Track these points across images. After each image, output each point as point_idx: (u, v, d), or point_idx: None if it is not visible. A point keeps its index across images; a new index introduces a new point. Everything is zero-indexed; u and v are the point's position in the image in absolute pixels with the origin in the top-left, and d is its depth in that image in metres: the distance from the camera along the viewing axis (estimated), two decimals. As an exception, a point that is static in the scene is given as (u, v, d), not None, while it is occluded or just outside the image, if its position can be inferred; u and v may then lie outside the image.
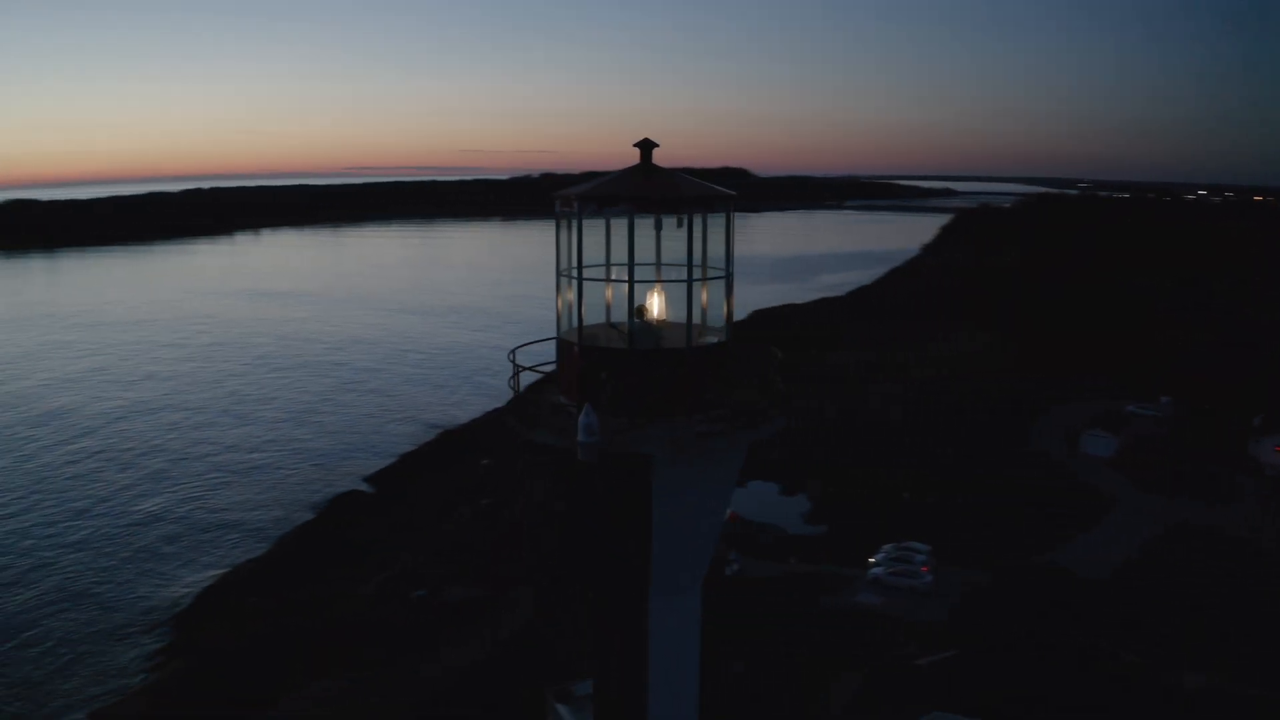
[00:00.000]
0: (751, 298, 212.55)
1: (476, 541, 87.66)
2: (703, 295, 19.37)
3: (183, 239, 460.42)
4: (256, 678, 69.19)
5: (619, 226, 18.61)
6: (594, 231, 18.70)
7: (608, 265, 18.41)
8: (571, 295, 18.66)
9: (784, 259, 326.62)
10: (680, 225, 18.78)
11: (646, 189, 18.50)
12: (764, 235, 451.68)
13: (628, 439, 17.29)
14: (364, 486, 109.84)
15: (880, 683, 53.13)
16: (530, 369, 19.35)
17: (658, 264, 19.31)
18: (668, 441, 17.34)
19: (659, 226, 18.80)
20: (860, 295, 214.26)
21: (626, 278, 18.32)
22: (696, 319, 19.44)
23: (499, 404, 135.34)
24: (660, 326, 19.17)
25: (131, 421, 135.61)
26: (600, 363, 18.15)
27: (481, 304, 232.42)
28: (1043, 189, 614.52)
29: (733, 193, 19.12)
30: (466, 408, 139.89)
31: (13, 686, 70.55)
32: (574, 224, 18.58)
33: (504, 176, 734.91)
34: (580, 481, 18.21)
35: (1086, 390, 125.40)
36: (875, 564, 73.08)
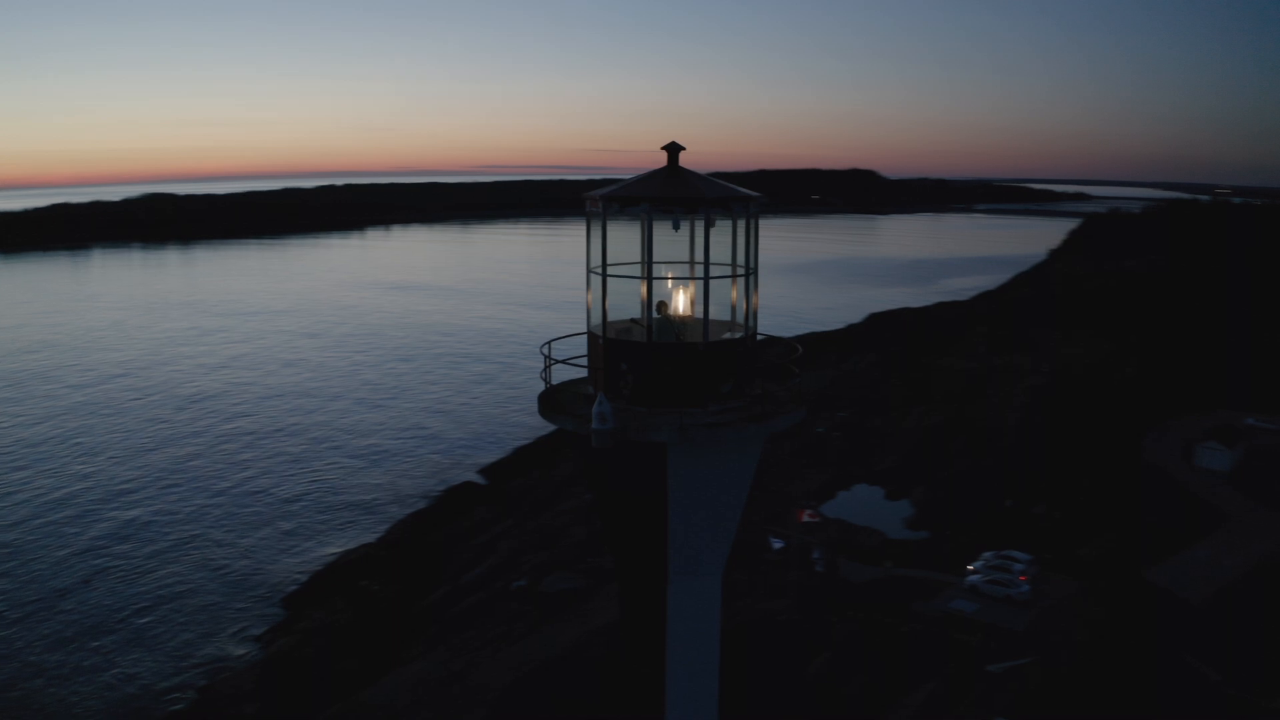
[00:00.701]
0: (867, 300, 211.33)
1: (577, 534, 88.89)
2: (732, 293, 20.06)
3: (315, 234, 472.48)
4: (361, 656, 71.38)
5: (662, 227, 19.44)
6: (633, 231, 19.49)
7: (649, 263, 19.17)
8: (602, 291, 19.50)
9: (907, 263, 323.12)
10: (713, 225, 19.44)
11: (665, 190, 19.23)
12: (889, 239, 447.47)
13: (641, 427, 18.12)
14: (477, 478, 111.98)
15: (952, 687, 53.05)
16: (562, 362, 20.27)
17: (690, 262, 20.00)
18: (679, 431, 18.13)
19: (676, 227, 19.51)
20: (982, 300, 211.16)
21: (648, 275, 19.10)
22: (726, 316, 20.15)
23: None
24: (683, 322, 19.90)
25: (265, 406, 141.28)
26: (621, 355, 19.03)
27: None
28: (1178, 194, 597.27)
29: (754, 194, 19.71)
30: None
31: (135, 649, 74.03)
32: (601, 223, 19.41)
33: (631, 176, 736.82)
34: (599, 465, 19.09)
35: (1205, 402, 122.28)
36: (973, 571, 72.54)
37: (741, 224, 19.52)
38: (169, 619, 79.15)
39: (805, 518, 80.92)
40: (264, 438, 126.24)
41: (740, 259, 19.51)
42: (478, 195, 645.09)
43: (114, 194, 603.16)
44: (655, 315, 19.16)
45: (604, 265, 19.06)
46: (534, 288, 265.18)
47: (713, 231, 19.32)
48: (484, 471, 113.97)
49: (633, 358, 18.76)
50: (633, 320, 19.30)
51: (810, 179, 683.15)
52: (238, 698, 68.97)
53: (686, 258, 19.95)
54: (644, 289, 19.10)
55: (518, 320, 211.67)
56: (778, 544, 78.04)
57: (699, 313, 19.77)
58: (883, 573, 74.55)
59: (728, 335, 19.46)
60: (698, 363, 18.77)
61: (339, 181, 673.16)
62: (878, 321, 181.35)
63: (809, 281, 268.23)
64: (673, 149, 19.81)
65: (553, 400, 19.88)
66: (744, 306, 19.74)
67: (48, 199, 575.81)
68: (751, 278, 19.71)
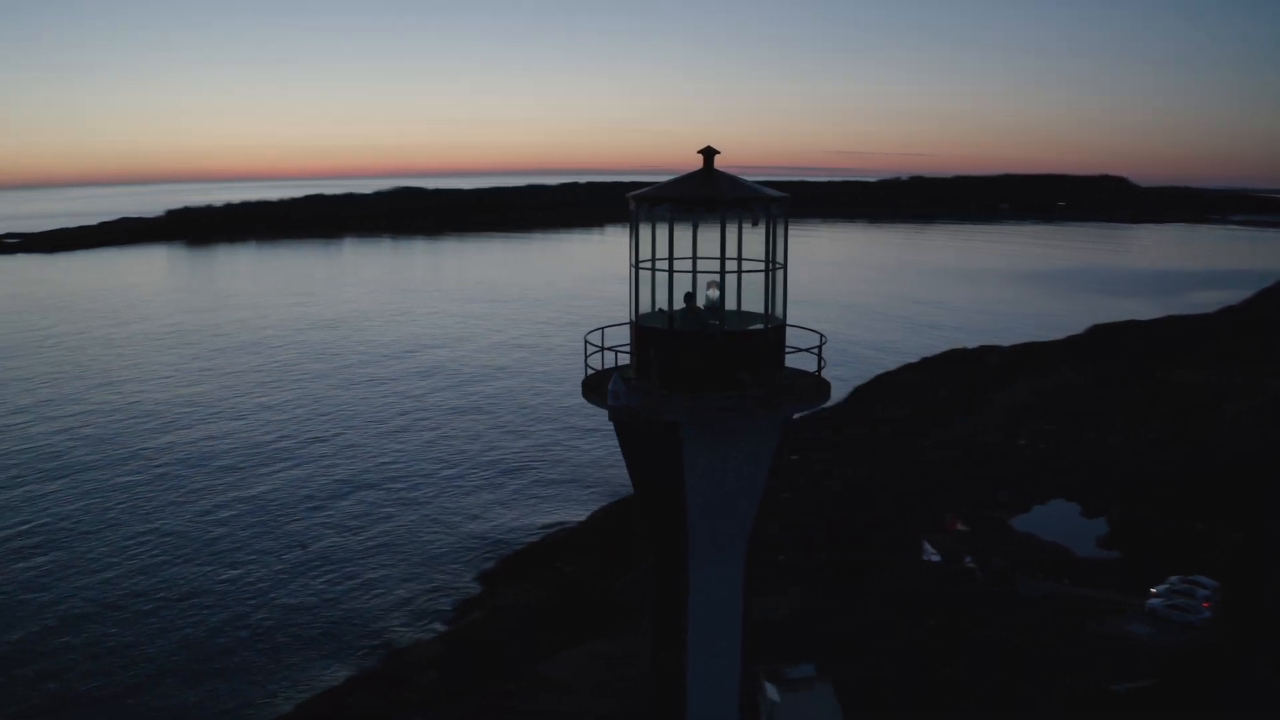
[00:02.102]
0: (1094, 311, 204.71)
1: (769, 528, 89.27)
2: (763, 287, 21.22)
3: (556, 230, 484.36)
4: (545, 634, 73.68)
5: (706, 226, 20.79)
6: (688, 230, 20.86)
7: (671, 258, 20.52)
8: (634, 284, 20.96)
9: (1148, 274, 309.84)
10: (756, 224, 20.62)
11: (689, 192, 20.52)
12: (1134, 249, 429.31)
13: (655, 407, 19.53)
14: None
15: (1073, 703, 52.08)
16: (603, 349, 21.78)
17: (722, 258, 21.16)
18: (687, 412, 19.44)
19: (696, 225, 20.73)
20: (1225, 315, 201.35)
21: (671, 269, 20.47)
22: (757, 309, 21.31)
23: (833, 400, 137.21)
24: (711, 314, 21.11)
25: (509, 381, 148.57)
26: (649, 342, 20.47)
27: (839, 301, 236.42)
28: None
29: (778, 195, 20.78)
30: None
31: (327, 613, 78.42)
32: (635, 222, 20.86)
33: (873, 178, 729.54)
34: (629, 448, 20.58)
35: None
36: (1155, 595, 70.34)
37: (773, 222, 20.65)
38: (366, 593, 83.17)
39: (957, 526, 79.89)
40: (491, 413, 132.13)
41: (772, 255, 20.62)
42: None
43: (366, 187, 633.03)
44: (682, 306, 20.52)
45: (636, 260, 20.50)
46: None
47: (752, 229, 20.53)
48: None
49: (659, 345, 20.20)
50: (659, 310, 20.67)
51: (1057, 185, 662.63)
52: (422, 665, 72.19)
53: (732, 254, 21.13)
54: (687, 282, 20.49)
55: None
56: (931, 553, 77.47)
57: (749, 306, 20.98)
58: (1056, 590, 72.99)
59: (753, 327, 20.60)
60: (718, 351, 20.02)
61: (581, 179, 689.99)
62: (1100, 333, 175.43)
63: (1038, 289, 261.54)
64: (708, 153, 21.12)
65: (593, 383, 21.51)
66: (771, 300, 20.83)
67: (303, 190, 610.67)
68: (779, 273, 20.79)
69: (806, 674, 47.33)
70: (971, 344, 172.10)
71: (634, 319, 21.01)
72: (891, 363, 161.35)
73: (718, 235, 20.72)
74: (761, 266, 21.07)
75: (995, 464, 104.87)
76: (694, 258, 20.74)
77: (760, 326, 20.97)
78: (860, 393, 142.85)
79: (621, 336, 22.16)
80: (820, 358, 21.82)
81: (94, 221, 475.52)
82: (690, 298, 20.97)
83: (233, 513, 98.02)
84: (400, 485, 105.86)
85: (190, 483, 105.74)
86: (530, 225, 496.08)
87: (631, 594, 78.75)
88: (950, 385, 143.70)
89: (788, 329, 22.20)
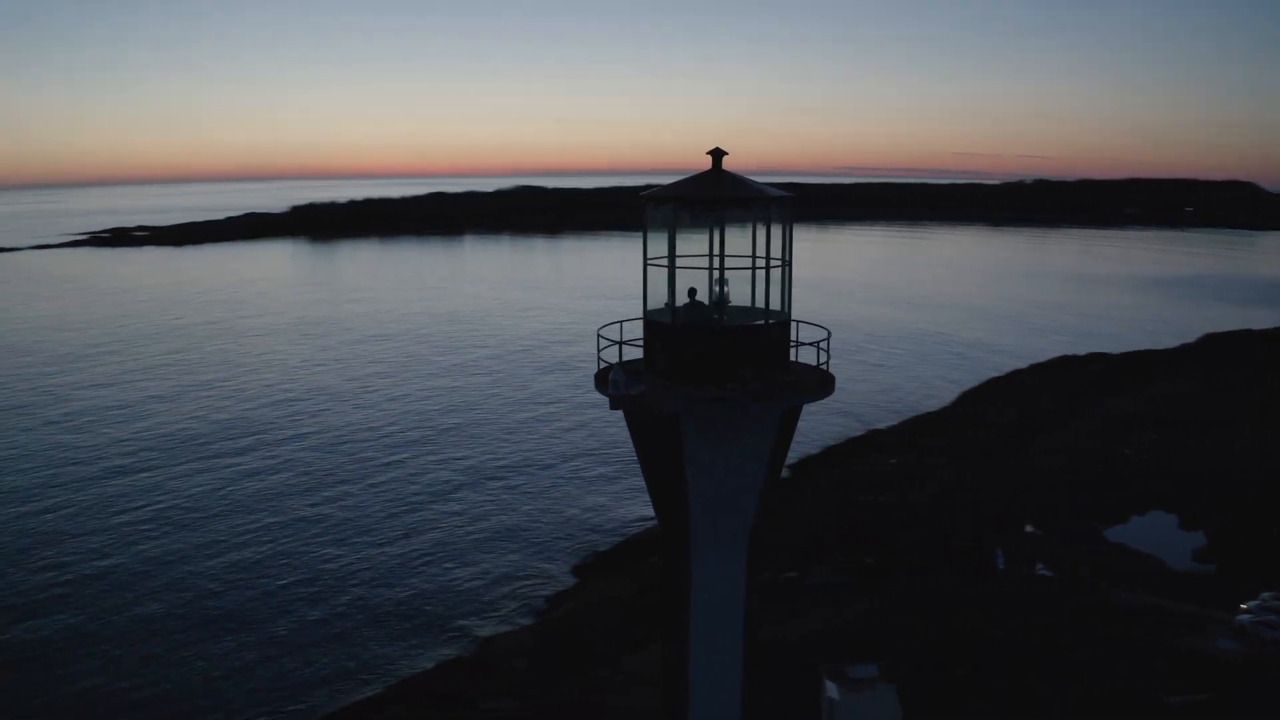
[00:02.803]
0: (1209, 319, 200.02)
1: (869, 530, 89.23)
2: (765, 284, 21.91)
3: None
4: (635, 627, 74.57)
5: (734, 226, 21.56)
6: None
7: (673, 255, 21.31)
8: (643, 279, 21.80)
9: (1272, 282, 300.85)
10: (761, 222, 21.30)
11: (691, 192, 21.27)
12: (1261, 256, 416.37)
13: (654, 398, 20.33)
14: (784, 473, 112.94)
15: (1123, 714, 51.44)
16: (615, 343, 22.65)
17: (721, 255, 21.89)
18: (684, 402, 20.19)
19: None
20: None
21: (671, 265, 21.26)
22: (774, 305, 22.00)
23: (941, 402, 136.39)
24: (718, 309, 21.84)
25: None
26: (656, 336, 21.28)
27: (955, 303, 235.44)
28: None
29: (780, 195, 21.39)
30: (909, 402, 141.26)
31: (424, 599, 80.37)
32: (646, 221, 21.69)
33: (996, 181, 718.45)
34: (638, 437, 21.38)
35: None
36: (1245, 611, 68.91)
37: (776, 221, 21.30)
38: (468, 571, 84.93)
39: (1028, 529, 79.15)
40: (604, 406, 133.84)
41: (775, 254, 21.26)
42: (836, 197, 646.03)
43: (486, 185, 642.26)
44: (686, 301, 21.32)
45: (645, 257, 21.33)
46: (879, 286, 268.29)
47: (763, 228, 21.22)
48: (795, 464, 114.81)
49: (664, 338, 21.01)
50: (667, 305, 21.47)
51: (1184, 190, 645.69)
52: (512, 653, 73.50)
53: (744, 251, 21.86)
54: (703, 279, 21.25)
55: (870, 315, 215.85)
56: (1000, 558, 76.89)
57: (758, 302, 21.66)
58: (1137, 602, 71.95)
59: (757, 321, 21.28)
60: (718, 345, 20.73)
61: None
62: (1214, 341, 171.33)
63: (1156, 296, 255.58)
64: (716, 154, 21.83)
65: (604, 375, 22.39)
66: (775, 296, 21.47)
67: (425, 188, 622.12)
68: (784, 270, 21.40)
69: (869, 674, 47.47)
70: (1082, 350, 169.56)
71: (643, 313, 21.83)
72: (1002, 366, 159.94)
73: (733, 234, 21.40)
74: (772, 264, 21.70)
75: (1094, 471, 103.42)
76: (714, 255, 21.43)
77: (758, 321, 21.61)
78: (967, 396, 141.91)
79: (640, 330, 22.93)
80: (826, 352, 22.35)
81: (221, 216, 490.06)
82: (694, 293, 21.73)
83: (349, 497, 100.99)
84: (513, 475, 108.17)
85: (312, 468, 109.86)
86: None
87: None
88: (1056, 391, 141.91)
89: (805, 325, 22.76)
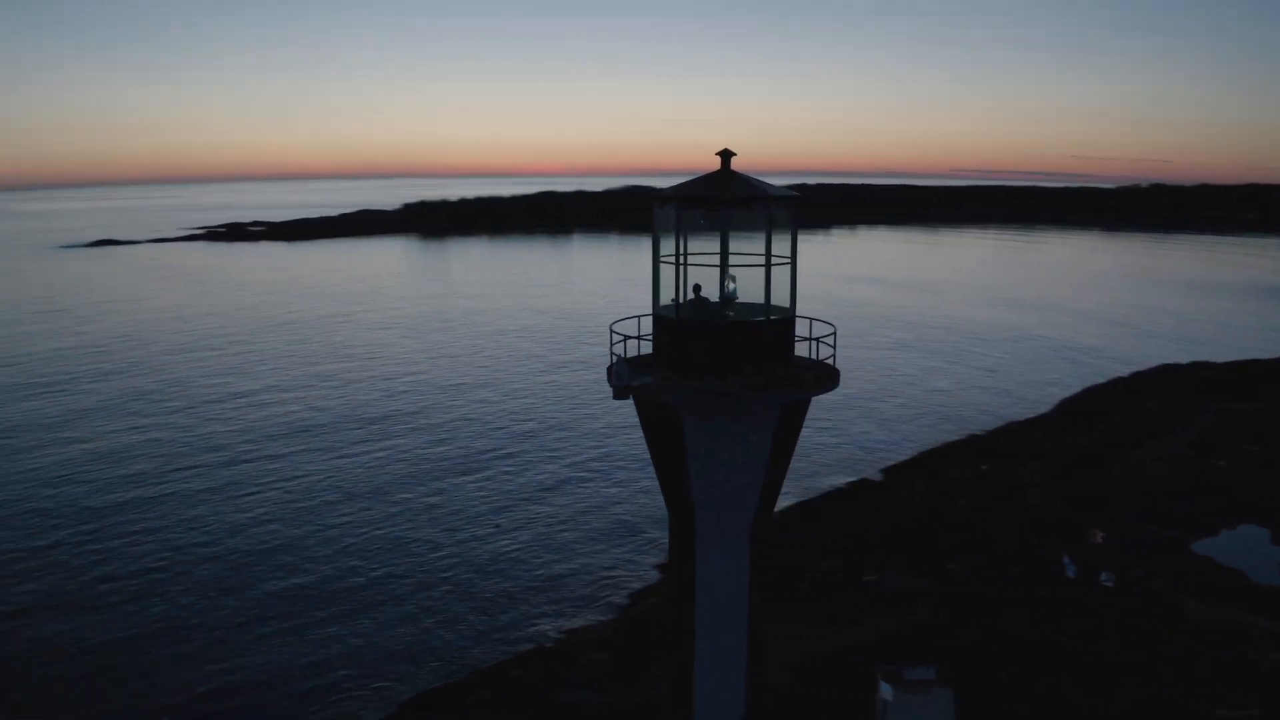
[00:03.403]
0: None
1: (953, 535, 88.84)
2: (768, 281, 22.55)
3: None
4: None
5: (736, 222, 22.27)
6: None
7: (679, 252, 22.04)
8: (653, 276, 22.55)
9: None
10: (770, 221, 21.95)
11: (694, 192, 21.96)
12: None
13: (656, 389, 21.09)
14: (877, 476, 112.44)
15: None
16: (627, 338, 23.43)
17: (719, 252, 22.56)
18: (686, 395, 20.91)
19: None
20: None
21: (678, 262, 21.99)
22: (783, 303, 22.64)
23: (1042, 408, 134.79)
24: (727, 305, 22.54)
25: None
26: (664, 330, 22.04)
27: (1067, 307, 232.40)
28: None
29: (782, 195, 21.96)
30: (1010, 407, 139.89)
31: (510, 586, 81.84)
32: (660, 219, 22.46)
33: (1110, 185, 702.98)
34: (648, 429, 22.16)
35: None
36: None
37: (781, 220, 21.91)
38: (557, 562, 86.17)
39: (1098, 539, 77.99)
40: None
41: (778, 252, 21.86)
42: (948, 199, 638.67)
43: (596, 185, 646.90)
44: (691, 297, 22.03)
45: (655, 256, 22.08)
46: (990, 289, 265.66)
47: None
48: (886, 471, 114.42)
49: (669, 333, 21.74)
50: (674, 302, 22.21)
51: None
52: (592, 646, 74.62)
53: (758, 250, 22.50)
54: (709, 276, 21.96)
55: (980, 318, 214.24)
56: (1070, 565, 75.92)
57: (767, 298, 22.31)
58: (1220, 614, 70.66)
59: (759, 318, 21.90)
60: (720, 339, 21.40)
61: (810, 180, 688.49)
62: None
63: (1267, 304, 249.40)
64: (725, 155, 22.47)
65: (611, 369, 23.20)
66: (778, 293, 22.10)
67: (536, 188, 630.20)
68: (790, 268, 21.98)
69: (926, 677, 47.48)
70: (1188, 358, 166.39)
71: (653, 309, 22.59)
72: (1107, 372, 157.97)
73: (745, 233, 22.06)
74: (779, 262, 22.31)
75: (1189, 481, 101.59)
76: (721, 253, 22.12)
77: (763, 318, 22.22)
78: (1068, 403, 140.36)
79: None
80: (828, 347, 22.88)
81: (335, 213, 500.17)
82: (699, 289, 22.43)
83: (452, 489, 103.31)
84: (615, 470, 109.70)
85: (418, 459, 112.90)
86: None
87: (787, 593, 79.70)
88: (1159, 399, 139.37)
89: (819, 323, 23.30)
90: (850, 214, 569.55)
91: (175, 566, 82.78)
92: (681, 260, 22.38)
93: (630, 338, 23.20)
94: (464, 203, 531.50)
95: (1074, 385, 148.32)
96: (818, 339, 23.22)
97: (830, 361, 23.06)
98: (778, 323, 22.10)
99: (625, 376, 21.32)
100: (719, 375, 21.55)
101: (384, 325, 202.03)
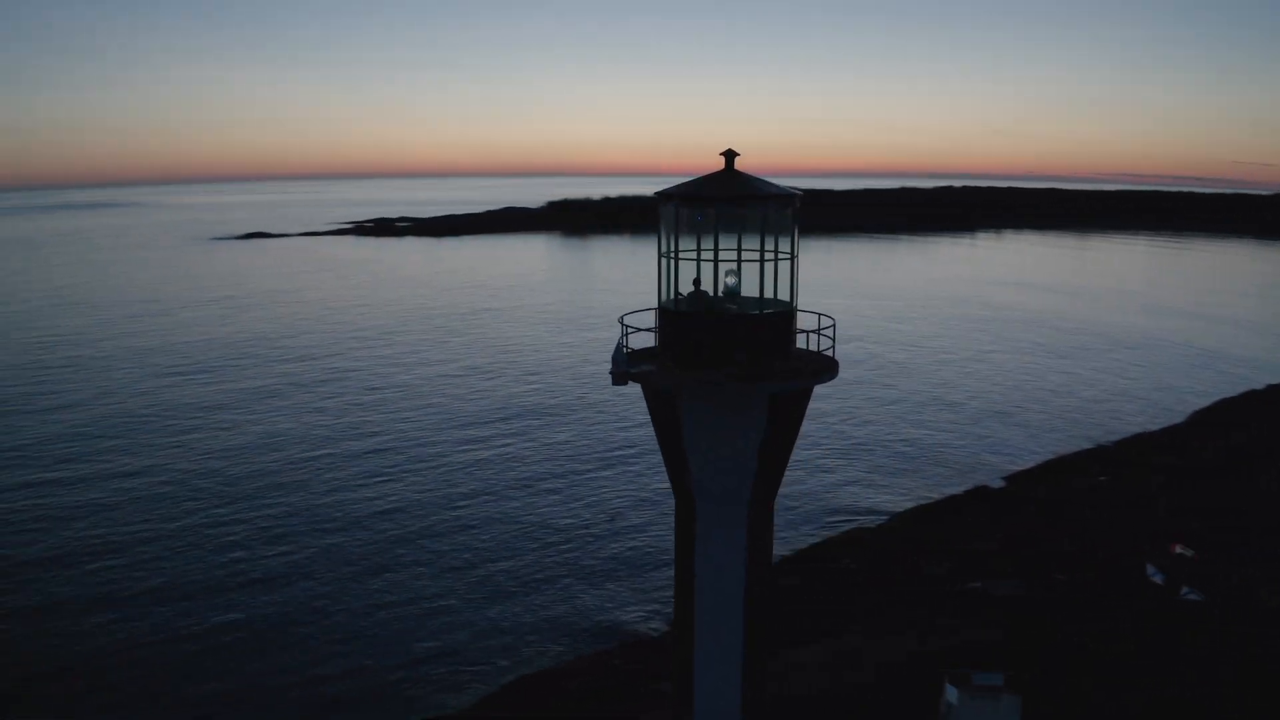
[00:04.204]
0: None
1: (1064, 544, 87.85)
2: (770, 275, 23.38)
3: (927, 233, 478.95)
4: (803, 622, 75.85)
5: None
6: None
7: (676, 248, 23.02)
8: (657, 272, 23.60)
9: None
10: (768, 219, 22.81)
11: (693, 190, 22.90)
12: None
13: (652, 376, 22.21)
14: (999, 483, 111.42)
15: None
16: (634, 329, 24.48)
17: (712, 249, 23.42)
18: (679, 383, 21.92)
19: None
20: None
21: (674, 257, 22.97)
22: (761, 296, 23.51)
23: (1174, 418, 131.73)
24: (729, 299, 23.47)
25: (878, 374, 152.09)
26: (666, 322, 23.07)
27: (1201, 314, 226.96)
28: None
29: (778, 193, 22.78)
30: (1141, 414, 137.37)
31: (620, 579, 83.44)
32: (664, 217, 23.49)
33: (1266, 192, 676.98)
34: (654, 415, 23.23)
35: None
36: None
37: (778, 218, 22.70)
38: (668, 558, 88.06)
39: (1177, 550, 76.09)
40: (854, 402, 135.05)
41: (792, 247, 22.67)
42: (1097, 204, 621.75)
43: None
44: (689, 291, 22.99)
45: (659, 251, 23.07)
46: (1138, 295, 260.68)
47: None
48: (1009, 478, 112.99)
49: (670, 325, 22.75)
50: (677, 294, 23.19)
51: None
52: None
53: (766, 247, 23.36)
54: (709, 270, 22.92)
55: (1124, 324, 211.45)
56: (1156, 575, 74.37)
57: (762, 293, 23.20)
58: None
59: (754, 311, 22.75)
60: (714, 331, 22.31)
61: (956, 183, 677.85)
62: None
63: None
64: (728, 155, 23.38)
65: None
66: (784, 289, 22.91)
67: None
68: (791, 263, 22.76)
69: (994, 682, 47.28)
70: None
71: (658, 301, 23.62)
72: (1253, 381, 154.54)
73: (754, 230, 22.96)
74: (779, 257, 23.18)
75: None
76: (718, 249, 23.06)
77: (758, 312, 23.05)
78: (1200, 415, 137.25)
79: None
80: (831, 339, 23.64)
81: (480, 210, 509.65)
82: (698, 283, 23.38)
83: (595, 481, 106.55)
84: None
85: (564, 449, 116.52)
86: (897, 228, 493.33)
87: (885, 596, 79.70)
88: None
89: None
90: (996, 218, 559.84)
91: (313, 547, 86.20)
92: (680, 256, 23.34)
93: (641, 329, 24.22)
94: (607, 201, 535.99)
95: (1212, 395, 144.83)
96: (816, 331, 23.99)
97: (829, 352, 23.84)
98: (774, 316, 22.90)
99: (623, 363, 22.40)
100: (714, 366, 22.46)
101: (526, 320, 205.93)
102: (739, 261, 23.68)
